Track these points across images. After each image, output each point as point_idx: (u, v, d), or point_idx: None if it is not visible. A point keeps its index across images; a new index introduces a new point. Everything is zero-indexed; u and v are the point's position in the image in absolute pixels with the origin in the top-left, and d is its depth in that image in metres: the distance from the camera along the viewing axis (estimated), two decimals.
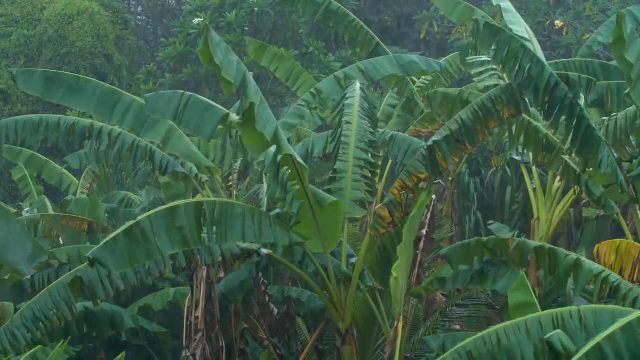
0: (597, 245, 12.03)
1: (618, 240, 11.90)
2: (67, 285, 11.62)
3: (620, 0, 26.17)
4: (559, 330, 8.72)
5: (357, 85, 13.01)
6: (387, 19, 30.98)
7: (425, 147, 12.17)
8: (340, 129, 12.49)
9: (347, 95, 12.73)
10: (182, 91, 12.81)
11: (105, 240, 10.60)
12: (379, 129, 15.02)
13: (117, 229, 10.93)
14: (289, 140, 12.86)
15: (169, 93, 12.93)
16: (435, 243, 13.98)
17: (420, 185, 12.02)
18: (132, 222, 10.77)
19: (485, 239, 11.61)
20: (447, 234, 14.51)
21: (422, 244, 12.59)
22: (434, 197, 13.11)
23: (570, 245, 16.53)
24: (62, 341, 11.27)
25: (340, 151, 12.27)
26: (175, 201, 11.62)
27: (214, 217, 11.19)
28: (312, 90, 14.83)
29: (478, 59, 13.61)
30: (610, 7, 25.68)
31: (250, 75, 11.50)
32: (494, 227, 17.82)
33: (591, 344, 8.28)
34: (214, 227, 11.21)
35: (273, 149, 11.25)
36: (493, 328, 9.32)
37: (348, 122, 12.39)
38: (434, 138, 12.22)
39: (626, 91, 12.96)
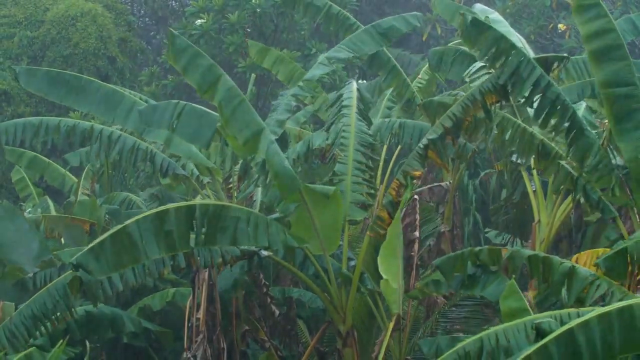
0: (575, 255, 12.00)
1: (600, 249, 11.87)
2: (66, 285, 11.62)
3: (622, 4, 26.17)
4: (551, 319, 8.68)
5: (354, 85, 12.95)
6: None
7: (422, 145, 12.17)
8: (338, 131, 12.47)
9: (344, 96, 12.68)
10: (176, 100, 12.86)
11: (90, 245, 10.61)
12: (385, 119, 14.99)
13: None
14: (281, 136, 12.85)
15: (162, 104, 12.98)
16: (428, 240, 14.01)
17: (414, 181, 12.04)
18: (119, 227, 10.77)
19: (477, 249, 11.51)
20: (435, 228, 14.43)
21: (416, 246, 12.59)
22: (416, 197, 13.10)
23: (572, 248, 16.49)
24: (61, 342, 11.27)
25: (340, 153, 12.26)
26: (167, 205, 11.64)
27: (205, 220, 11.17)
28: (300, 83, 14.75)
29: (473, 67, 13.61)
30: (612, 11, 25.67)
31: (224, 79, 11.49)
32: (491, 234, 17.84)
33: (563, 328, 8.19)
34: (204, 230, 11.16)
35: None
36: (492, 329, 9.33)
37: (346, 124, 12.38)
38: (429, 136, 12.22)
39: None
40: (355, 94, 12.77)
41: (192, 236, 11.28)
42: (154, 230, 10.85)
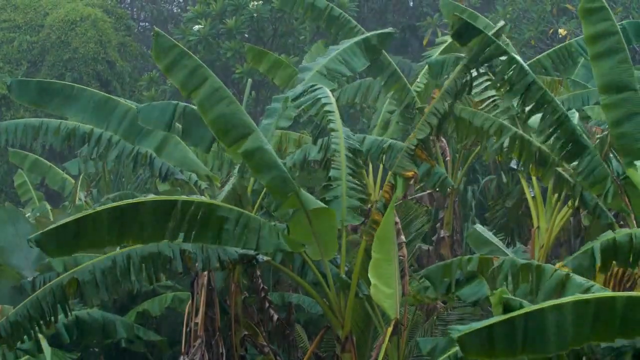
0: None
1: None
2: (62, 288, 11.51)
3: (623, 9, 26.19)
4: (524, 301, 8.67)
5: (328, 90, 12.84)
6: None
7: (412, 145, 12.13)
8: (327, 135, 12.42)
9: (323, 101, 12.51)
10: (175, 102, 12.80)
11: (54, 225, 10.52)
12: (377, 137, 14.99)
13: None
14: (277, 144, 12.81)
15: (162, 103, 12.94)
16: (417, 240, 13.99)
17: (410, 181, 12.02)
18: (89, 212, 10.63)
19: (467, 257, 11.38)
20: (422, 227, 14.39)
21: (404, 250, 12.54)
22: None
23: (572, 254, 16.46)
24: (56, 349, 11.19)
25: (333, 158, 12.19)
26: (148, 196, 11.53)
27: (187, 216, 11.03)
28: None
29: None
30: None
31: (212, 80, 11.44)
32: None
33: (535, 307, 8.25)
34: (184, 227, 11.05)
35: None
36: None
37: (334, 130, 12.31)
38: (418, 136, 12.17)
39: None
40: (333, 99, 12.62)
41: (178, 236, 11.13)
42: (124, 219, 10.66)
